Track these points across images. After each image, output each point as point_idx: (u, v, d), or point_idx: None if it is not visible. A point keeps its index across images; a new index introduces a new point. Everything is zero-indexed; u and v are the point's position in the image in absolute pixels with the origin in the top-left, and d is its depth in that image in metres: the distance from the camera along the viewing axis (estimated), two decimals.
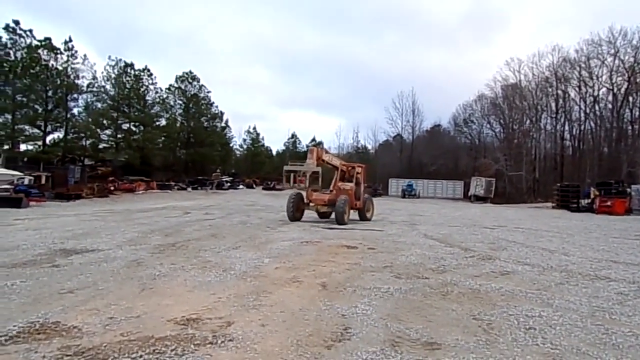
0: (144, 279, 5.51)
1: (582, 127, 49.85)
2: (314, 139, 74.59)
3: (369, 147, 73.02)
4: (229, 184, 47.64)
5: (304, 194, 14.66)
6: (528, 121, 54.08)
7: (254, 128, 69.85)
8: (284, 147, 74.24)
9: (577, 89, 49.18)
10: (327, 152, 14.42)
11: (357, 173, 15.66)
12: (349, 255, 7.75)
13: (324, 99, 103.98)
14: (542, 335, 3.80)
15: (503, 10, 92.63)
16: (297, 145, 71.86)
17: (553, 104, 52.06)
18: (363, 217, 15.45)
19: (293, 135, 74.13)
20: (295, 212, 14.23)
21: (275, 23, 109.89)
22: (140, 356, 3.09)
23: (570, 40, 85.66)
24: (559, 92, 50.92)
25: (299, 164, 14.57)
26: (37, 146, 38.36)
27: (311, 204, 14.42)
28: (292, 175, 13.75)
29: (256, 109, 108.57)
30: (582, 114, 49.27)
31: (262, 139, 71.05)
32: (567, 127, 52.03)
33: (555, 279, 6.23)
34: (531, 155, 51.32)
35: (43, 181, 29.11)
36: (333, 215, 14.24)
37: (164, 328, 3.69)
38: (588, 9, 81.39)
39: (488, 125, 60.57)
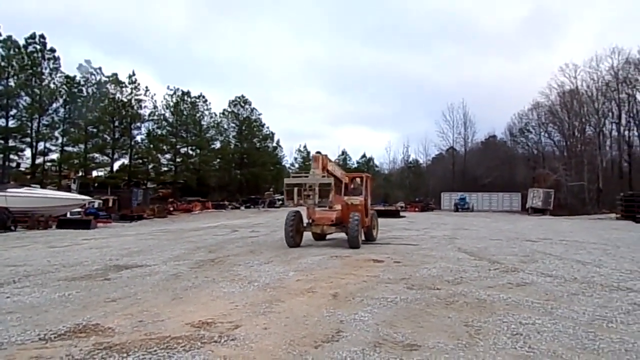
0: (177, 290, 6.23)
1: None
2: (363, 155, 75.09)
3: (421, 161, 72.11)
4: (280, 202, 49.01)
5: (303, 212, 12.23)
6: (589, 128, 51.15)
7: (304, 146, 71.68)
8: None
9: None
10: (330, 160, 12.15)
11: (360, 185, 13.27)
12: (371, 269, 8.09)
13: (377, 114, 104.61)
14: (524, 340, 3.99)
15: (563, 14, 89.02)
16: (348, 162, 72.48)
17: (616, 109, 48.99)
18: (370, 237, 12.93)
19: (343, 152, 75.05)
20: (295, 236, 11.65)
21: (327, 44, 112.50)
22: (155, 351, 3.69)
23: (632, 42, 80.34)
24: (623, 95, 47.90)
25: (303, 175, 12.02)
26: (106, 172, 42.19)
27: (314, 225, 12.11)
28: (295, 189, 10.88)
29: (311, 128, 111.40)
30: None
31: None
32: (635, 132, 48.72)
33: (571, 289, 6.23)
34: (594, 163, 48.30)
35: (110, 204, 31.92)
36: (332, 236, 12.72)
37: (181, 330, 4.30)
38: None
39: (546, 134, 57.90)
